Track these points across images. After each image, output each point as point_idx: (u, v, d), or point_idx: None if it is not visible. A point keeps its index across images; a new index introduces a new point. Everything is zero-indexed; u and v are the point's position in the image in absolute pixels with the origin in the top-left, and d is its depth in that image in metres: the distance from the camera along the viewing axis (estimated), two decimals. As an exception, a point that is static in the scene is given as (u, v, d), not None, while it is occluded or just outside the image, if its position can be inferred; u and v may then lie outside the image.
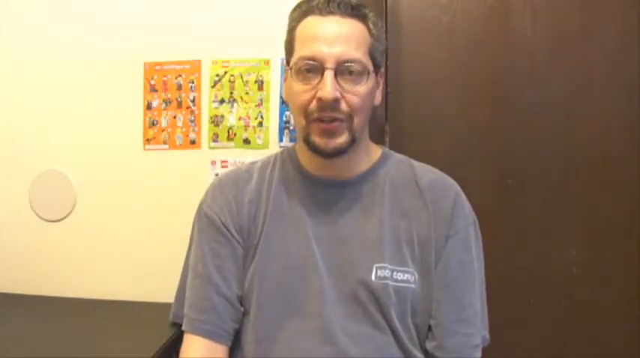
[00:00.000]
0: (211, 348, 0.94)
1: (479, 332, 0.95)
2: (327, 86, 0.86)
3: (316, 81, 0.88)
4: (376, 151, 1.03)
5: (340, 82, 0.88)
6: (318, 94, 0.87)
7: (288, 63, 0.95)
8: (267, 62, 1.38)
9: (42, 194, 1.47)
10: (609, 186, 1.36)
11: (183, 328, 0.97)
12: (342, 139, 0.90)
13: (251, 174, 1.02)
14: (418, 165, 1.03)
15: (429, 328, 0.95)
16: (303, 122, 0.92)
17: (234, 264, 0.97)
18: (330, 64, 0.87)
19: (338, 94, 0.87)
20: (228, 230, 0.97)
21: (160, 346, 1.07)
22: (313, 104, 0.89)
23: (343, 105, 0.89)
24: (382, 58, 0.97)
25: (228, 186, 1.01)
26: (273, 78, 1.37)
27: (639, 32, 1.33)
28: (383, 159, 1.02)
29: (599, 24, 1.35)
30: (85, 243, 1.46)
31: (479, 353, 0.95)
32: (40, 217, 1.48)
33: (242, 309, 0.97)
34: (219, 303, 0.95)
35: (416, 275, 0.93)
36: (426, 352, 0.95)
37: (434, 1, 1.40)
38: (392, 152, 1.06)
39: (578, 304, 1.36)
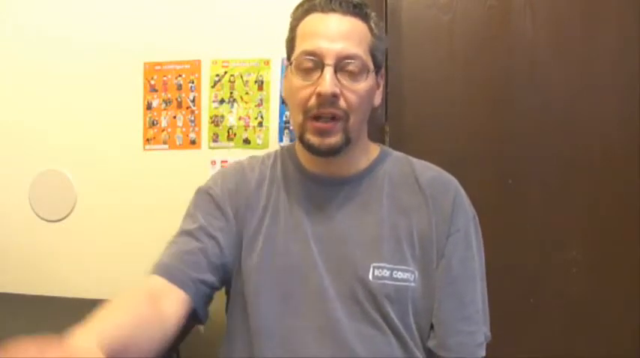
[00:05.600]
0: (166, 286, 0.88)
1: (481, 330, 0.95)
2: (327, 81, 0.86)
3: (316, 77, 0.88)
4: (374, 149, 1.03)
5: (340, 78, 0.88)
6: (318, 89, 0.87)
7: (289, 61, 0.95)
8: (267, 62, 1.38)
9: (42, 194, 1.47)
10: (609, 186, 1.36)
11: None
12: (336, 139, 0.90)
13: (252, 167, 1.03)
14: (416, 161, 1.02)
15: (431, 327, 0.94)
16: (300, 119, 0.91)
17: (225, 239, 0.95)
18: (329, 60, 0.87)
19: (337, 90, 0.87)
20: (225, 210, 0.97)
21: (160, 346, 1.07)
22: (312, 100, 0.89)
23: (342, 102, 0.89)
24: (383, 58, 0.97)
25: (230, 176, 1.01)
26: (273, 78, 1.37)
27: (639, 32, 1.33)
28: (381, 156, 1.02)
29: (599, 24, 1.35)
30: (85, 243, 1.46)
31: (483, 351, 0.94)
32: (40, 217, 1.48)
33: (221, 275, 0.93)
34: (196, 257, 0.90)
35: (416, 273, 0.93)
36: (428, 351, 0.95)
37: (434, 1, 1.40)
38: (390, 149, 1.06)
39: (578, 304, 1.36)
